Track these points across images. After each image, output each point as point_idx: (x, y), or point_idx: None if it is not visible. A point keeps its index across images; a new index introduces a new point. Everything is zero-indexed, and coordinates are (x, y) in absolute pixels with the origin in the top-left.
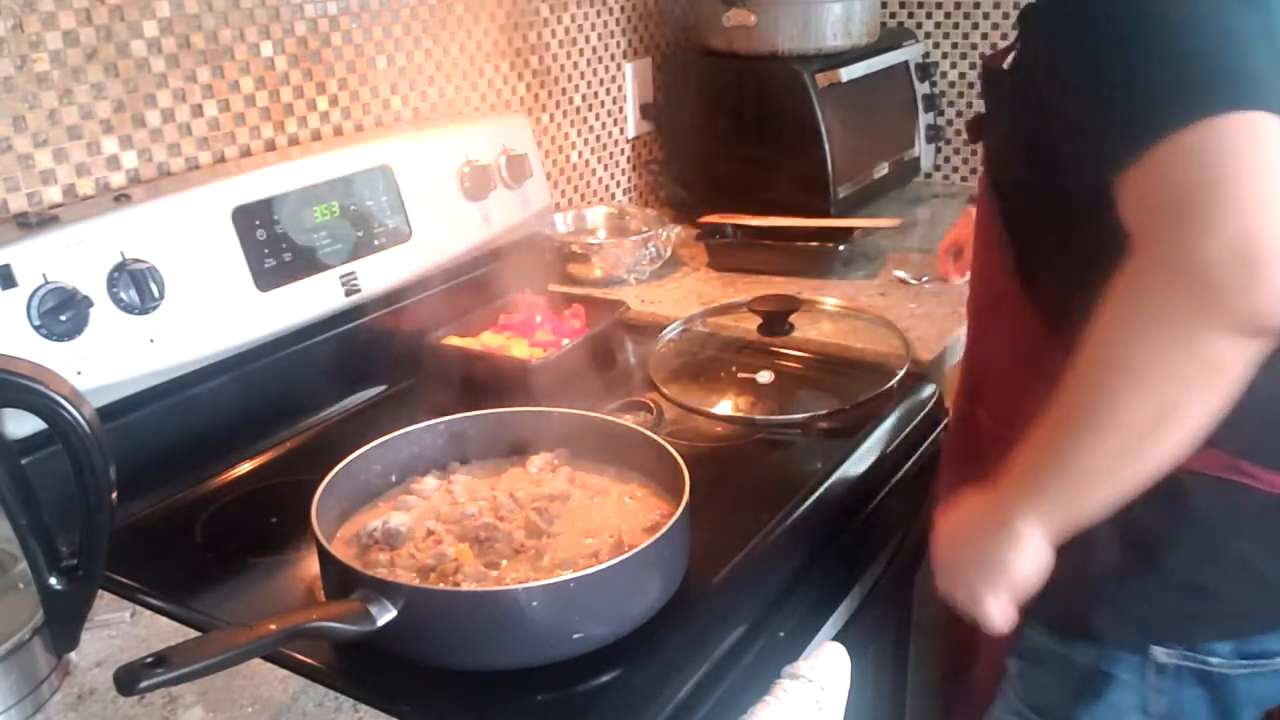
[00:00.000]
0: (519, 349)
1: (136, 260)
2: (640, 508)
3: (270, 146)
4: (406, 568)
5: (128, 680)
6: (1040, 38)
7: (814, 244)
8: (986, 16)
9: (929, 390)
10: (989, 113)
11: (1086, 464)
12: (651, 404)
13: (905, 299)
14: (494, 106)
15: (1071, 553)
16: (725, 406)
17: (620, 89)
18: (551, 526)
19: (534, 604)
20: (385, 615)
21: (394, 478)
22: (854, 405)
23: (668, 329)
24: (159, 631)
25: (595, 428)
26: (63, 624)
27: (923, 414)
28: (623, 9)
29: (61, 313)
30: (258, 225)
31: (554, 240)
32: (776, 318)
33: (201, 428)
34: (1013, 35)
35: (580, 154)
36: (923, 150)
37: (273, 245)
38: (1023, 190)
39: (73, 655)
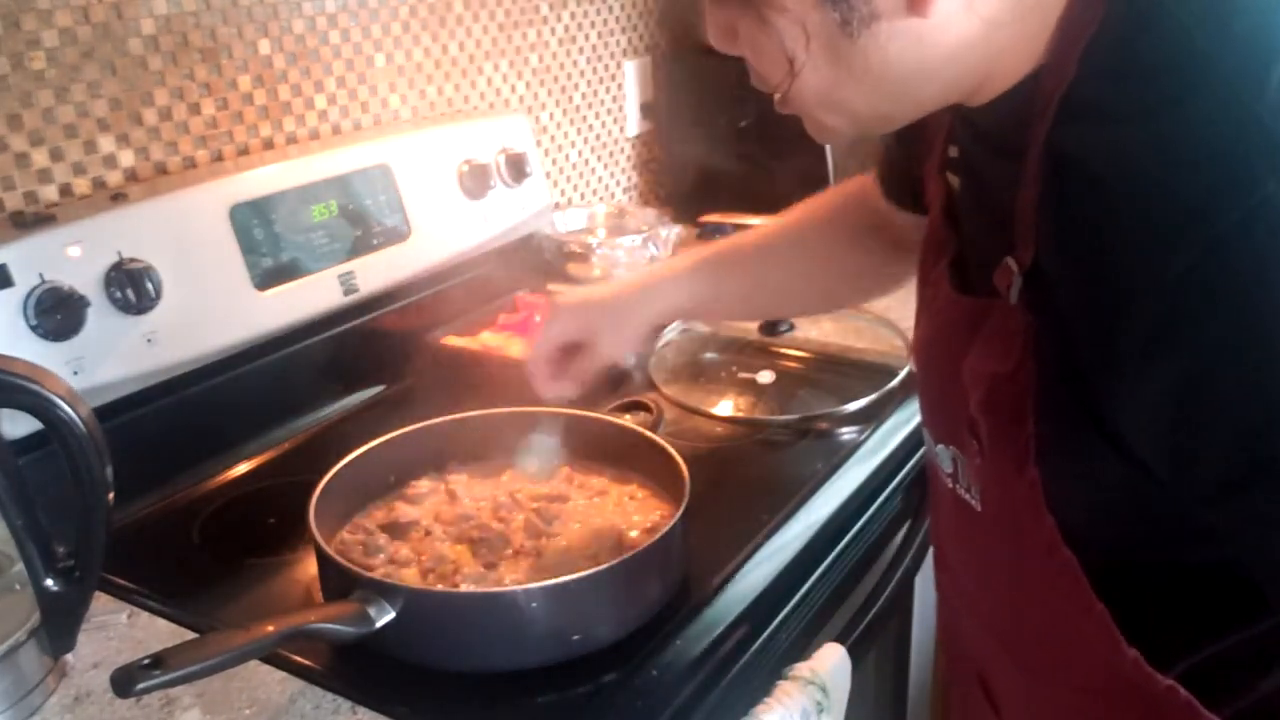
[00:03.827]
0: (518, 349)
1: (133, 259)
2: (640, 508)
3: (268, 145)
4: (405, 568)
5: (125, 682)
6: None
7: None
8: None
9: None
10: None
11: None
12: (651, 404)
13: (907, 299)
14: (493, 105)
15: None
16: (725, 407)
17: (620, 88)
18: (550, 527)
19: (533, 605)
20: (384, 617)
21: (392, 478)
22: (855, 406)
23: (668, 329)
24: (156, 633)
25: (595, 428)
26: (59, 626)
27: None
28: (622, 7)
29: (58, 312)
30: (255, 224)
31: (553, 240)
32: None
33: (199, 428)
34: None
35: (580, 153)
36: None
37: (271, 244)
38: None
39: (69, 657)
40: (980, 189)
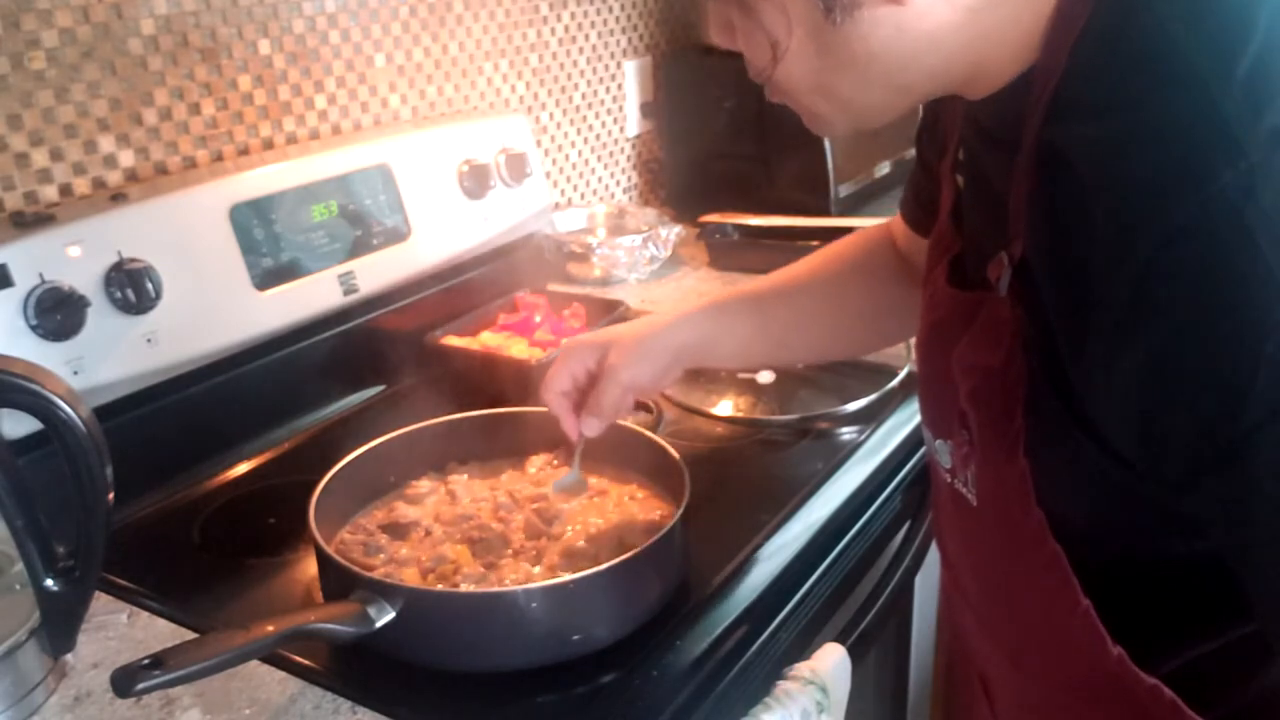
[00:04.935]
0: (518, 349)
1: (133, 259)
2: (640, 508)
3: (268, 145)
4: (405, 568)
5: (124, 682)
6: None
7: (815, 243)
8: None
9: None
10: (974, 188)
11: None
12: (651, 404)
13: None
14: (493, 105)
15: None
16: (725, 407)
17: (620, 87)
18: (550, 527)
19: (533, 605)
20: (383, 616)
21: (392, 478)
22: (855, 406)
23: None
24: (156, 633)
25: None
26: (59, 626)
27: None
28: (622, 7)
29: (58, 312)
30: (255, 224)
31: (553, 239)
32: None
33: (199, 428)
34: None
35: (580, 153)
36: None
37: (270, 244)
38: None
39: (69, 657)
40: (981, 186)
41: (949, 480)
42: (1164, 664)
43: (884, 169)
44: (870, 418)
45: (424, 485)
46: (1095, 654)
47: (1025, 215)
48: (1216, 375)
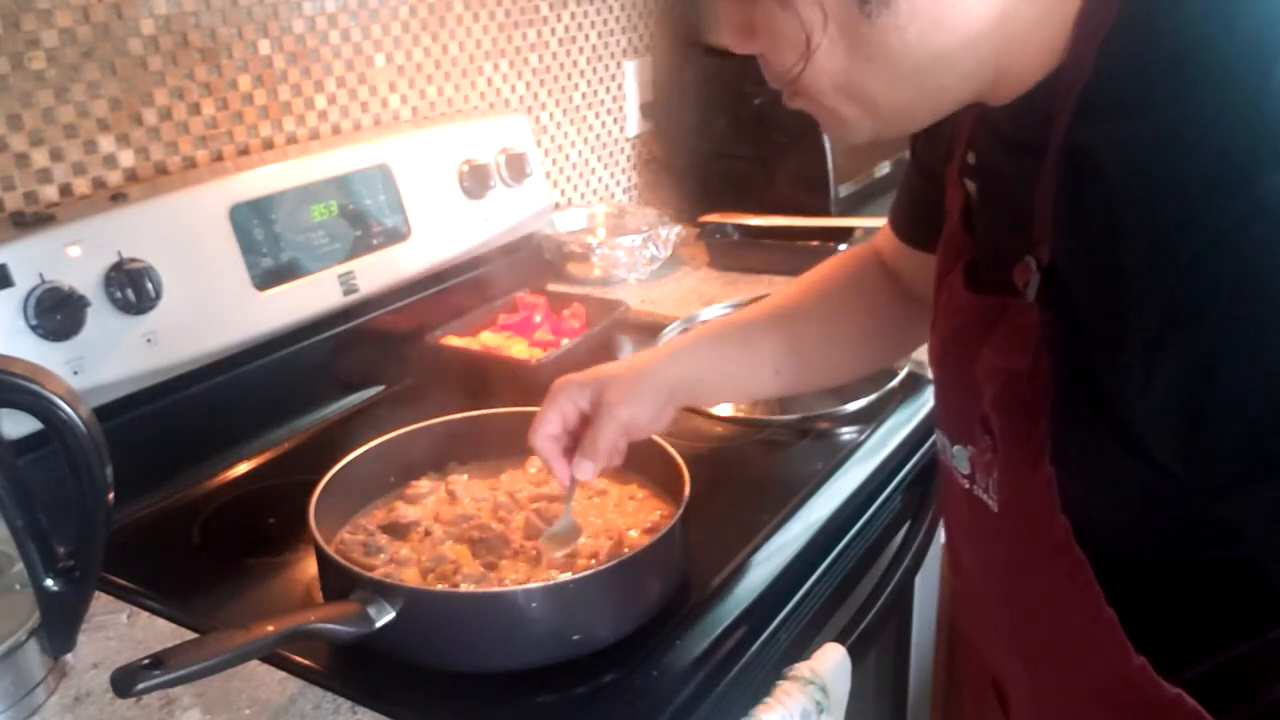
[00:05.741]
0: (518, 349)
1: (133, 259)
2: (640, 508)
3: (268, 145)
4: (405, 568)
5: (124, 682)
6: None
7: (815, 243)
8: None
9: (930, 391)
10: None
11: None
12: None
13: None
14: (493, 105)
15: None
16: (725, 407)
17: (620, 87)
18: (551, 527)
19: (533, 605)
20: (383, 617)
21: (392, 478)
22: (855, 406)
23: (668, 329)
24: (156, 633)
25: None
26: (59, 626)
27: (924, 414)
28: (622, 7)
29: (58, 312)
30: (255, 224)
31: (553, 239)
32: None
33: (199, 428)
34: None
35: (580, 153)
36: None
37: (270, 244)
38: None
39: (69, 657)
40: (999, 192)
41: (966, 486)
42: (1186, 671)
43: (884, 169)
44: (870, 418)
45: (424, 485)
46: (1117, 663)
47: (1052, 218)
48: (1262, 380)
